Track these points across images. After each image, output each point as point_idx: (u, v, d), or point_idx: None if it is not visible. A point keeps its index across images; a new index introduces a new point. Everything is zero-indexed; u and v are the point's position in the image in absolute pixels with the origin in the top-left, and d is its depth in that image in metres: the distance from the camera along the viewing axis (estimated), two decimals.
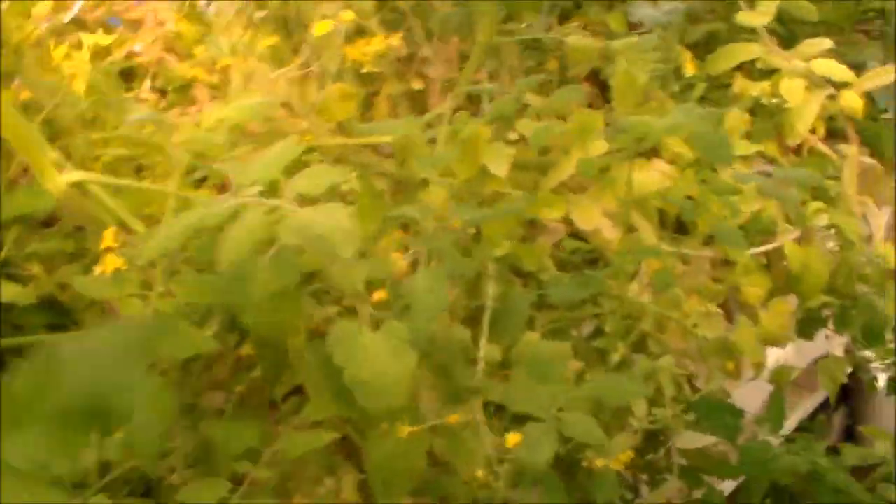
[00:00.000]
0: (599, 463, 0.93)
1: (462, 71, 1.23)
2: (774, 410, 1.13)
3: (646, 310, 1.10)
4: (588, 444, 0.85)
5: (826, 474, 1.12)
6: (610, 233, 1.15)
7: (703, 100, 1.47)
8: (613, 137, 1.10)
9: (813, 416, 1.97)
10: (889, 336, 1.45)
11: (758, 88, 1.37)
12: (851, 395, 2.16)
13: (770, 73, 1.43)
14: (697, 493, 1.13)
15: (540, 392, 0.82)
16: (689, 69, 1.44)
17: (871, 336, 1.41)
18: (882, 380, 1.70)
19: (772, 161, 1.39)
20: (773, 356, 1.82)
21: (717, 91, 1.49)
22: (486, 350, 0.94)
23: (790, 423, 1.88)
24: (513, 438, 0.81)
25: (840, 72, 1.33)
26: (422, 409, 0.82)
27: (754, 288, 1.26)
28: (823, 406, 2.02)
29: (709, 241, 1.26)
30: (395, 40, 1.09)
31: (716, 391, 1.14)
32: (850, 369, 1.70)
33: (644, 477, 1.19)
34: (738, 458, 1.11)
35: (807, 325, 1.44)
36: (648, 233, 1.21)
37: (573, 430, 0.80)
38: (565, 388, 0.85)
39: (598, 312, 1.10)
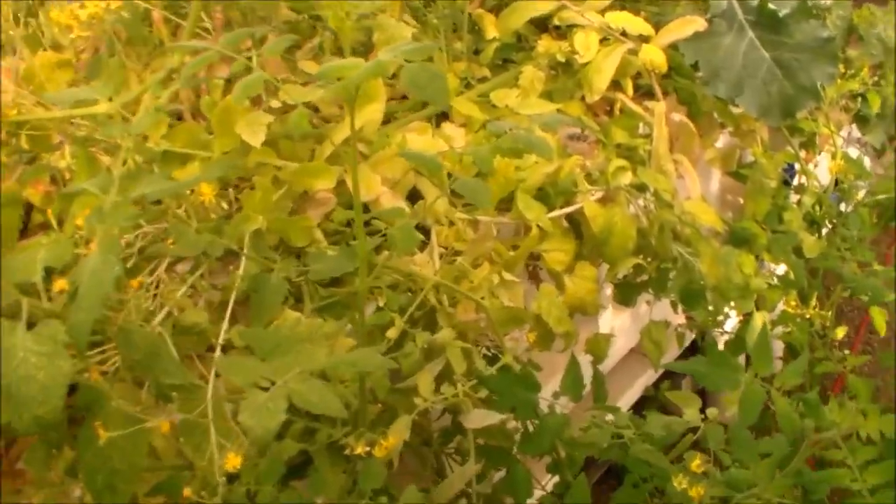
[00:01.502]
0: (359, 449, 0.85)
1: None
2: (570, 381, 1.06)
3: (427, 282, 1.02)
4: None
5: (631, 445, 1.06)
6: (389, 201, 1.07)
7: (506, 62, 1.41)
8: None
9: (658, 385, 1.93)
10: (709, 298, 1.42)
11: (557, 47, 1.31)
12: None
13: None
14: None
15: (258, 366, 0.73)
16: (490, 31, 1.37)
17: (690, 298, 1.37)
18: (721, 344, 1.67)
19: (578, 120, 1.33)
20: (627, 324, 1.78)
21: (523, 52, 1.42)
22: (229, 334, 0.85)
23: (634, 393, 1.84)
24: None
25: (636, 24, 1.28)
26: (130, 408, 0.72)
27: (557, 253, 1.19)
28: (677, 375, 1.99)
29: (506, 206, 1.19)
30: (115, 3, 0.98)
31: (515, 363, 1.07)
32: (693, 334, 1.68)
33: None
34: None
35: (624, 291, 1.39)
36: (438, 199, 1.14)
37: (305, 400, 0.71)
38: (302, 361, 0.76)
39: (377, 286, 1.02)
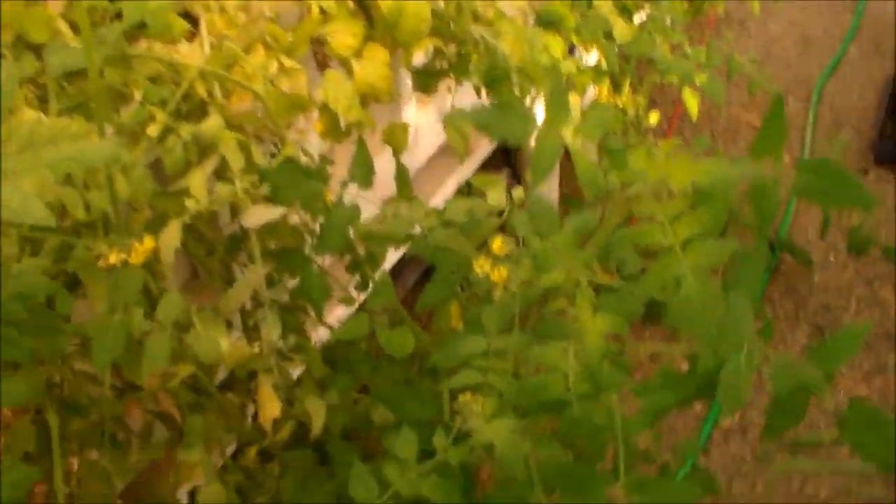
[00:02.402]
0: (113, 258, 0.75)
1: None
2: (360, 166, 0.98)
3: (191, 69, 0.91)
4: None
5: (430, 234, 1.01)
6: None
7: None
8: None
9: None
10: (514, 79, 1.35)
11: None
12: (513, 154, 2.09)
13: None
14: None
15: None
16: None
17: (494, 82, 1.30)
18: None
19: None
20: None
21: None
22: None
23: (447, 191, 1.79)
24: None
25: None
26: None
27: (343, 35, 1.09)
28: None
29: None
30: None
31: (301, 155, 0.98)
32: None
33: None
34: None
35: (423, 78, 1.31)
36: None
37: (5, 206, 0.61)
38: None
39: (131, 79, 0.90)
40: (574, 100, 1.49)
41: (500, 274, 0.87)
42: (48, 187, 0.68)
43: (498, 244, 0.90)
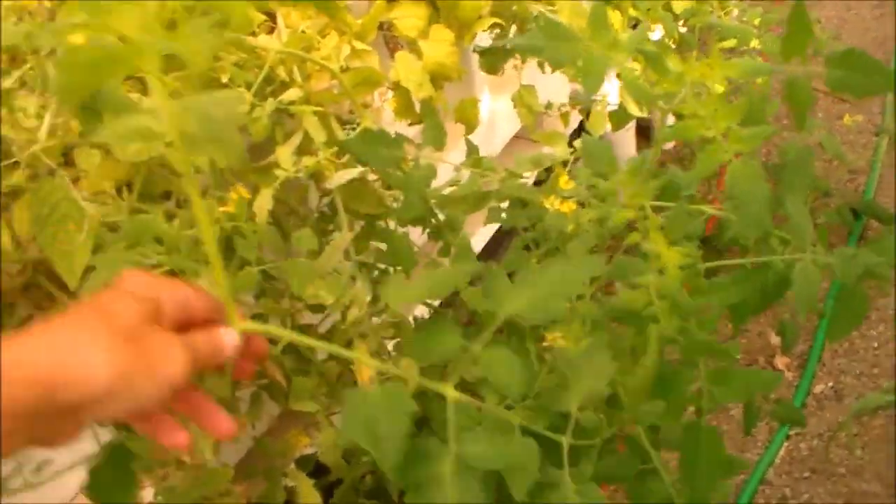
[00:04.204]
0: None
1: None
2: (431, 129, 1.05)
3: (272, 53, 1.00)
4: None
5: (502, 186, 1.07)
6: None
7: None
8: None
9: None
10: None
11: None
12: None
13: None
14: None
15: None
16: None
17: (555, 33, 1.35)
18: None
19: None
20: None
21: None
22: None
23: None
24: None
25: None
26: None
27: (410, 19, 1.17)
28: None
29: None
30: None
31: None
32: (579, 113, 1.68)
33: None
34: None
35: (489, 58, 1.38)
36: None
37: None
38: None
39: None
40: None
41: (569, 206, 0.93)
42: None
43: (564, 180, 0.96)
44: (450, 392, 0.67)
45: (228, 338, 0.66)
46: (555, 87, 1.60)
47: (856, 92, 0.72)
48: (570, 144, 1.11)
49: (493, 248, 1.96)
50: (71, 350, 0.55)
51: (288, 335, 0.70)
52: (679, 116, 0.80)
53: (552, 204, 0.95)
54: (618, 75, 0.81)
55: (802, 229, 0.79)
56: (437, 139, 1.03)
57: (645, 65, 0.79)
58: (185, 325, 0.64)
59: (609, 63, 0.77)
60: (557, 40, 0.80)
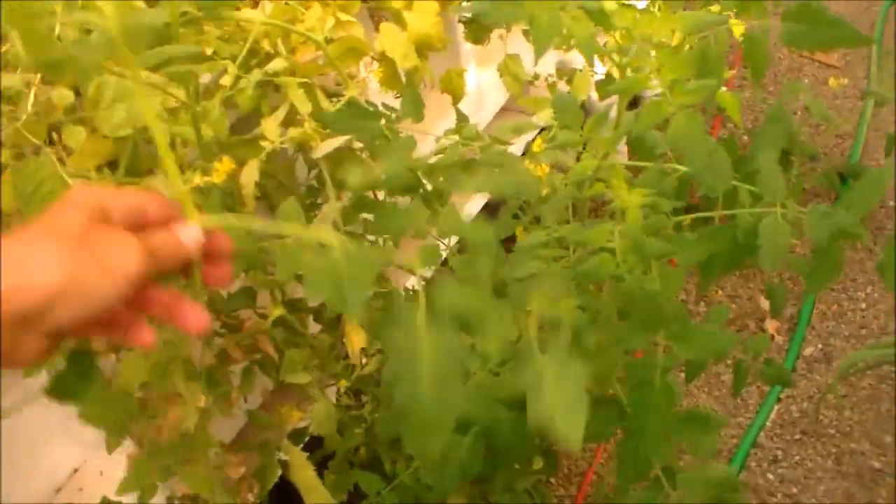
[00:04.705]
0: (197, 179, 0.84)
1: None
2: (410, 102, 1.05)
3: (256, 25, 0.99)
4: None
5: (482, 152, 1.07)
6: None
7: None
8: None
9: None
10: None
11: None
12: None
13: None
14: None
15: None
16: None
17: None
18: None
19: None
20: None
21: None
22: None
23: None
24: None
25: None
26: None
27: None
28: None
29: None
30: None
31: (360, 99, 1.06)
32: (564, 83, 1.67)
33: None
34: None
35: (474, 28, 1.37)
36: None
37: None
38: None
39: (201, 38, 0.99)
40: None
41: (543, 169, 0.94)
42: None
43: (538, 143, 0.97)
44: None
45: (188, 232, 0.63)
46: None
47: (812, 46, 0.73)
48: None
49: (488, 217, 1.97)
50: (20, 260, 0.54)
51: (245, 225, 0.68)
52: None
53: (529, 168, 0.95)
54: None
55: (772, 183, 0.79)
56: (416, 111, 1.03)
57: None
58: (141, 230, 0.62)
59: (558, 25, 0.77)
60: (506, 5, 0.80)
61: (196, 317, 0.65)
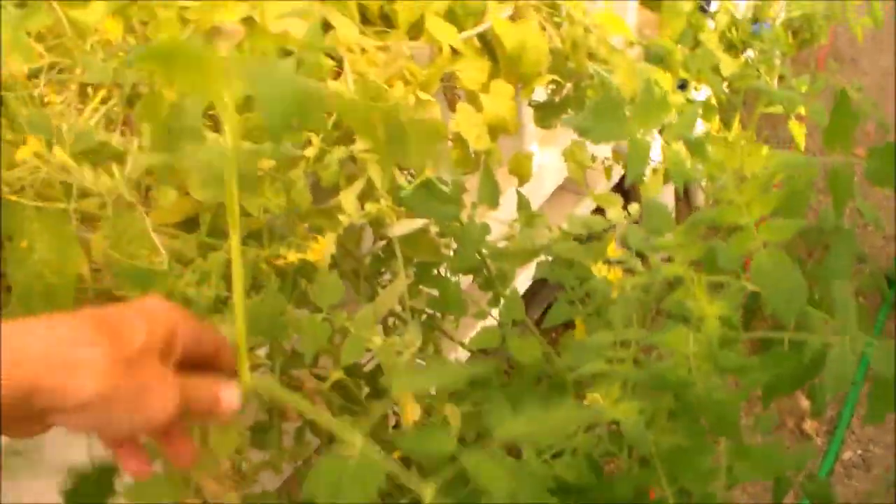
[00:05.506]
0: (291, 257, 0.86)
1: None
2: (486, 189, 1.08)
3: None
4: None
5: (554, 245, 1.09)
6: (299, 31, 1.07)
7: None
8: None
9: None
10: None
11: None
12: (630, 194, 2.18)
13: None
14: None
15: None
16: None
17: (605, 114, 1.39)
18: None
19: None
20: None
21: None
22: None
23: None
24: None
25: None
26: None
27: (471, 72, 1.20)
28: None
29: (417, 33, 1.20)
30: None
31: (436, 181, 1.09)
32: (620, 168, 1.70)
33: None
34: None
35: (543, 112, 1.41)
36: (348, 28, 1.14)
37: None
38: None
39: None
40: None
41: (616, 274, 0.96)
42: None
43: (612, 248, 0.99)
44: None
45: (228, 395, 0.62)
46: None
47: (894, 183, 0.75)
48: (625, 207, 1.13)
49: (530, 297, 1.98)
50: (68, 353, 0.53)
51: (294, 400, 0.69)
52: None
53: (599, 271, 0.97)
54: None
55: (846, 315, 0.81)
56: (492, 198, 1.06)
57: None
58: (188, 361, 0.62)
59: (650, 148, 0.81)
60: (606, 121, 0.83)
61: (185, 452, 0.64)
